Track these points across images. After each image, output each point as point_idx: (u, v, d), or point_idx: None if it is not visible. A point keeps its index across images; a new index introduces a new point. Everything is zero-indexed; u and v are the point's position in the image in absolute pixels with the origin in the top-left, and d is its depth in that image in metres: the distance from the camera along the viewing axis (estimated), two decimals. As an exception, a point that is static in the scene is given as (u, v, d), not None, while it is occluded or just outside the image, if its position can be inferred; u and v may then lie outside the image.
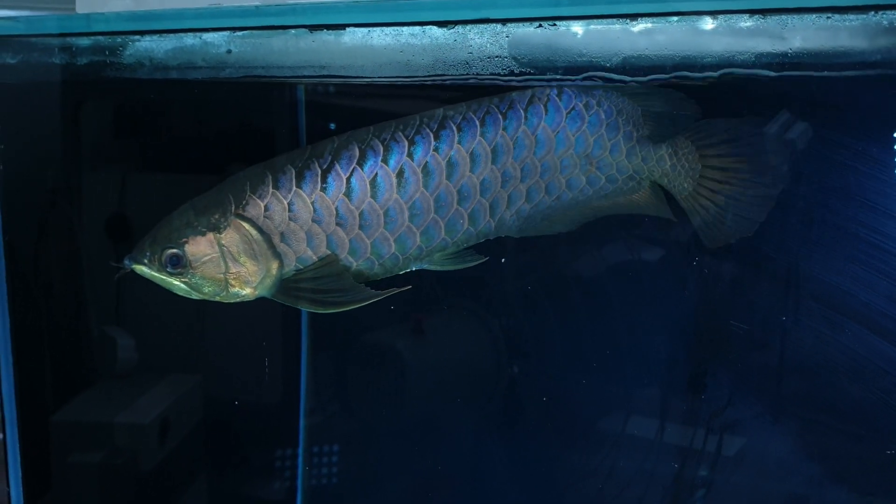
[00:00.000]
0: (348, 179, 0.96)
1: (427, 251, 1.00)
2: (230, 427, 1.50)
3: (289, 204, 0.96)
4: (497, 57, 0.93)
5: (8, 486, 1.25)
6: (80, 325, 1.39)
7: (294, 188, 0.96)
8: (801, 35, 0.88)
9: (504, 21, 0.91)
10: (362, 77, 1.00)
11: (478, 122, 0.97)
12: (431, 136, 0.97)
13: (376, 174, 0.96)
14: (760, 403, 1.30)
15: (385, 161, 0.96)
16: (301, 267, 0.98)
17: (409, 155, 0.96)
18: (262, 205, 0.96)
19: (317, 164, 0.96)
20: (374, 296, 0.96)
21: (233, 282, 0.98)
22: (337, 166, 0.96)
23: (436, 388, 1.53)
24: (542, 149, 0.99)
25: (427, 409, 1.55)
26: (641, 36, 0.87)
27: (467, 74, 0.94)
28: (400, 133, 0.97)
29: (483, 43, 0.93)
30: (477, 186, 0.98)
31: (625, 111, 1.01)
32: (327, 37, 1.00)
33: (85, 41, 1.08)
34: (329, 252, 0.97)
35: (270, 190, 0.96)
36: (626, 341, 1.38)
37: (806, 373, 1.23)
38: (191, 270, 0.97)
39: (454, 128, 0.97)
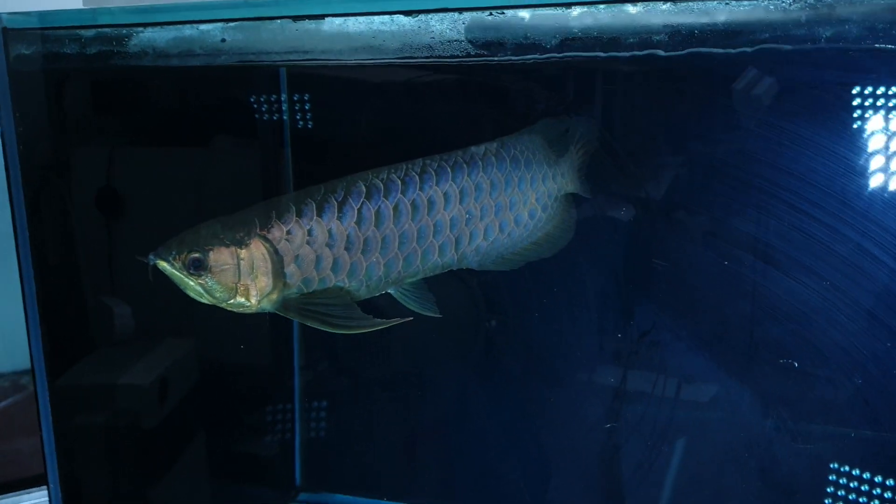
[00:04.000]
0: (359, 210, 1.10)
1: (403, 276, 1.15)
2: (226, 387, 1.56)
3: (308, 230, 1.08)
4: (455, 41, 1.07)
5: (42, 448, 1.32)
6: (79, 296, 1.43)
7: (315, 217, 1.09)
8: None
9: (461, 10, 1.05)
10: (340, 60, 1.12)
11: (449, 170, 1.14)
12: (417, 178, 1.12)
13: (379, 207, 1.10)
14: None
15: (385, 197, 1.10)
16: (304, 288, 1.10)
17: (402, 193, 1.11)
18: (285, 229, 1.08)
19: (333, 198, 1.09)
20: (381, 324, 1.09)
21: (241, 292, 1.08)
22: (350, 200, 1.10)
23: (419, 343, 1.61)
24: (495, 191, 1.17)
25: (411, 363, 1.64)
26: (577, 19, 1.00)
27: (430, 56, 1.07)
28: (394, 175, 1.12)
29: (443, 29, 1.07)
30: (448, 222, 1.14)
31: (540, 146, 1.22)
32: (309, 25, 1.12)
33: (92, 33, 1.16)
34: (332, 276, 1.10)
35: (294, 218, 1.08)
36: (593, 293, 1.49)
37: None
38: (208, 275, 1.06)
39: (433, 173, 1.13)
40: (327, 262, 1.09)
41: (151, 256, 1.07)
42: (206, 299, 1.09)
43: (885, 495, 1.33)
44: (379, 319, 1.09)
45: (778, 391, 1.34)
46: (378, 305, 1.17)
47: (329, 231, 1.08)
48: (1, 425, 1.83)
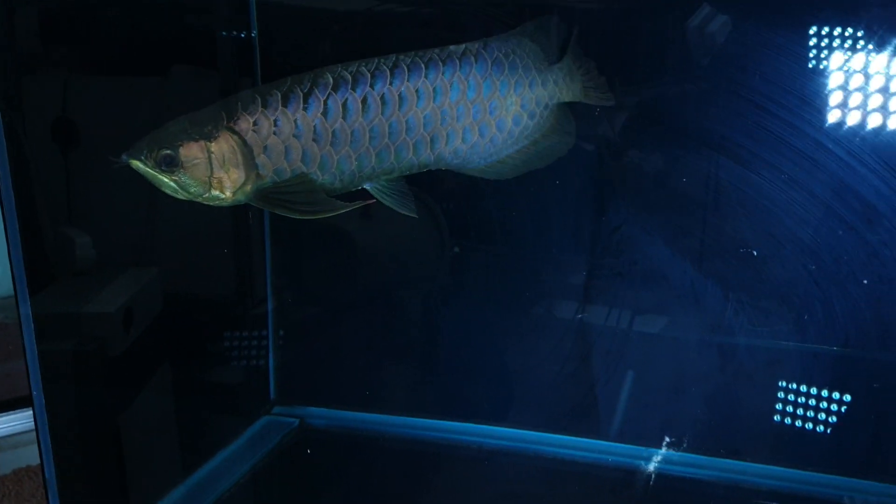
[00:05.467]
0: (325, 101, 1.10)
1: (378, 172, 1.15)
2: (193, 316, 1.60)
3: (274, 121, 1.09)
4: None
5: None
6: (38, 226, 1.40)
7: (280, 108, 1.09)
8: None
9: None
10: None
11: (423, 66, 1.13)
12: (388, 72, 1.12)
13: (347, 99, 1.10)
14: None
15: (353, 89, 1.11)
16: (276, 178, 1.10)
17: (371, 86, 1.11)
18: (252, 120, 1.08)
19: (298, 89, 1.10)
20: (343, 207, 1.10)
21: (215, 185, 1.09)
22: (316, 91, 1.10)
23: (385, 267, 1.66)
24: (472, 92, 1.16)
25: (379, 287, 1.69)
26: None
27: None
28: (364, 68, 1.12)
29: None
30: (420, 120, 1.14)
31: (530, 51, 1.21)
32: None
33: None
34: (303, 168, 1.10)
35: (259, 109, 1.09)
36: (557, 219, 1.55)
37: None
38: (181, 170, 1.07)
39: (405, 68, 1.13)
40: (296, 154, 1.10)
41: (124, 156, 1.07)
42: (181, 195, 1.09)
43: (832, 408, 1.41)
44: (341, 202, 1.11)
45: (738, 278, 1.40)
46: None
47: (295, 121, 1.09)
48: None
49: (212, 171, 1.08)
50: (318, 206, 1.10)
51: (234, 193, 1.10)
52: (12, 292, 1.84)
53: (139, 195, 1.41)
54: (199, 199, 1.10)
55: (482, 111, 1.18)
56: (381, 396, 1.72)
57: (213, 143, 1.07)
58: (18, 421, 1.78)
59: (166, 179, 1.07)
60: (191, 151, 1.07)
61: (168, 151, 1.06)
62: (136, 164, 1.07)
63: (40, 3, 1.30)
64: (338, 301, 1.71)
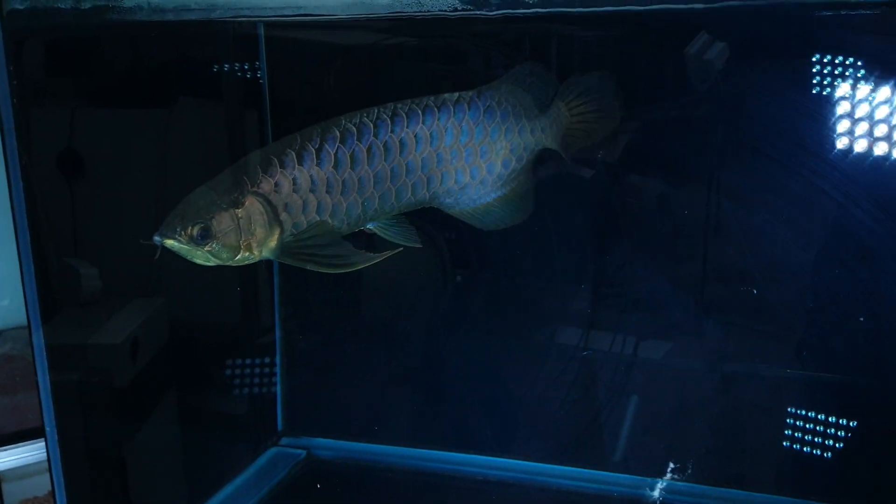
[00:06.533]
0: (335, 154, 1.15)
1: (380, 213, 1.20)
2: (200, 346, 1.61)
3: (293, 179, 1.13)
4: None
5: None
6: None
7: (296, 166, 1.14)
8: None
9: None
10: (333, 15, 1.14)
11: (420, 112, 1.19)
12: (389, 121, 1.17)
13: (354, 150, 1.15)
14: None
15: (359, 140, 1.16)
16: (295, 231, 1.15)
17: (375, 136, 1.16)
18: (273, 182, 1.13)
19: (310, 146, 1.14)
20: (373, 258, 1.15)
21: (244, 247, 1.12)
22: (326, 146, 1.15)
23: (389, 297, 1.67)
24: (465, 137, 1.21)
25: (382, 316, 1.70)
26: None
27: (420, 11, 1.09)
28: (366, 118, 1.17)
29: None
30: (419, 163, 1.19)
31: (521, 100, 1.26)
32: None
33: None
34: (318, 218, 1.15)
35: (278, 169, 1.13)
36: (557, 249, 1.56)
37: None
38: (215, 241, 1.09)
39: (403, 115, 1.18)
40: (312, 206, 1.14)
41: (157, 238, 1.08)
42: (212, 263, 1.12)
43: (839, 434, 1.42)
44: (371, 254, 1.15)
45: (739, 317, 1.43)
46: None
47: (311, 177, 1.13)
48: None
49: (241, 235, 1.11)
50: (345, 259, 1.14)
51: (260, 252, 1.13)
52: (19, 324, 1.86)
53: (144, 225, 1.42)
54: (230, 263, 1.13)
55: (474, 154, 1.22)
56: (387, 427, 1.73)
57: (240, 210, 1.11)
58: (26, 453, 1.79)
59: (200, 252, 1.10)
60: (223, 221, 1.10)
61: (202, 225, 1.08)
62: (171, 243, 1.09)
63: (47, 36, 1.32)
64: (343, 331, 1.72)
